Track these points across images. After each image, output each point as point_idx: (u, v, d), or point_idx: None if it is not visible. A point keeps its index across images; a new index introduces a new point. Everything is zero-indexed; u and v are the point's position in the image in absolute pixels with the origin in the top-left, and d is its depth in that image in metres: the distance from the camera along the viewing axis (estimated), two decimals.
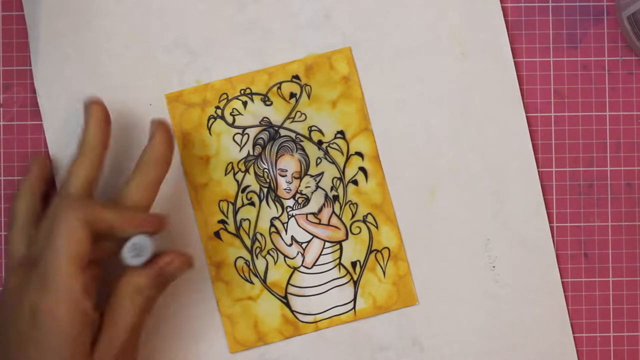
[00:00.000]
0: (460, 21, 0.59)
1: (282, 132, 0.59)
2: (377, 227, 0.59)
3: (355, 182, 0.59)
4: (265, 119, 0.59)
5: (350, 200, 0.59)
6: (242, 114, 0.59)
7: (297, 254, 0.59)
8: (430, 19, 0.59)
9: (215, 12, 0.59)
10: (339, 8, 0.59)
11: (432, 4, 0.59)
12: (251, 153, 0.59)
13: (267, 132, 0.59)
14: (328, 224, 0.59)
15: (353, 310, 0.59)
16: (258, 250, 0.59)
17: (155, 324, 0.58)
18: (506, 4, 0.59)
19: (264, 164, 0.59)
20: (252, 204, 0.59)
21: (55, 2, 0.59)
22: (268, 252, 0.59)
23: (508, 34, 0.59)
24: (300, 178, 0.59)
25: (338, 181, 0.59)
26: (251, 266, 0.59)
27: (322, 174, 0.59)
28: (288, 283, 0.59)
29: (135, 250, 0.52)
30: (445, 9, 0.59)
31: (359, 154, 0.59)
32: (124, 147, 0.59)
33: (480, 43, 0.59)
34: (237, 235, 0.59)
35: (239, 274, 0.59)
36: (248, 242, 0.59)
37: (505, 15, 0.59)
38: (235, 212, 0.59)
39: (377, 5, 0.59)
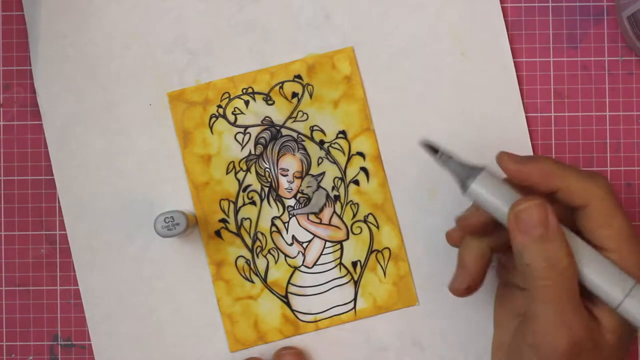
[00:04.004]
0: (460, 21, 0.59)
1: (284, 131, 0.59)
2: (378, 228, 0.59)
3: (356, 182, 0.59)
4: (267, 119, 0.59)
5: (351, 201, 0.59)
6: (243, 113, 0.59)
7: (298, 253, 0.59)
8: (430, 19, 0.59)
9: (215, 12, 0.59)
10: (339, 8, 0.59)
11: (432, 4, 0.59)
12: (253, 152, 0.59)
13: (268, 132, 0.59)
14: (329, 224, 0.59)
15: (353, 310, 0.59)
16: (259, 249, 0.59)
17: (155, 324, 0.58)
18: (506, 4, 0.59)
19: (265, 163, 0.59)
20: (253, 203, 0.59)
21: (55, 2, 0.59)
22: (269, 252, 0.59)
23: (508, 34, 0.59)
24: (302, 178, 0.59)
25: (339, 181, 0.59)
26: (252, 265, 0.59)
27: (323, 173, 0.59)
28: (288, 282, 0.59)
29: (168, 223, 0.54)
30: (445, 9, 0.59)
31: (361, 154, 0.59)
32: (124, 148, 0.59)
33: (480, 43, 0.59)
34: (238, 235, 0.59)
35: (240, 273, 0.59)
36: (249, 241, 0.59)
37: (505, 15, 0.59)
38: (236, 211, 0.59)
39: (377, 5, 0.59)
